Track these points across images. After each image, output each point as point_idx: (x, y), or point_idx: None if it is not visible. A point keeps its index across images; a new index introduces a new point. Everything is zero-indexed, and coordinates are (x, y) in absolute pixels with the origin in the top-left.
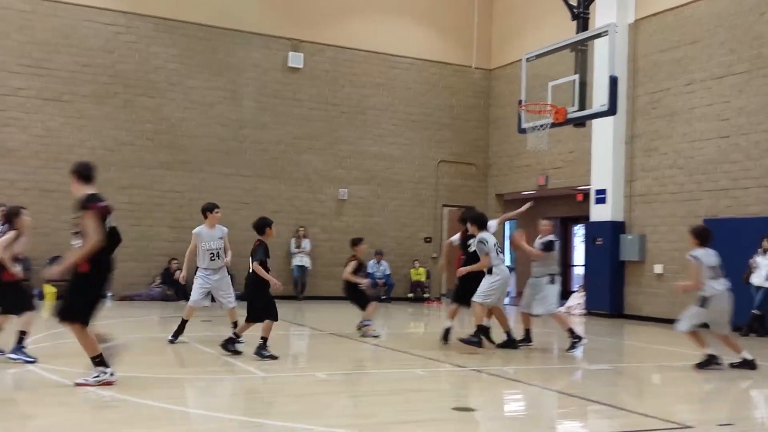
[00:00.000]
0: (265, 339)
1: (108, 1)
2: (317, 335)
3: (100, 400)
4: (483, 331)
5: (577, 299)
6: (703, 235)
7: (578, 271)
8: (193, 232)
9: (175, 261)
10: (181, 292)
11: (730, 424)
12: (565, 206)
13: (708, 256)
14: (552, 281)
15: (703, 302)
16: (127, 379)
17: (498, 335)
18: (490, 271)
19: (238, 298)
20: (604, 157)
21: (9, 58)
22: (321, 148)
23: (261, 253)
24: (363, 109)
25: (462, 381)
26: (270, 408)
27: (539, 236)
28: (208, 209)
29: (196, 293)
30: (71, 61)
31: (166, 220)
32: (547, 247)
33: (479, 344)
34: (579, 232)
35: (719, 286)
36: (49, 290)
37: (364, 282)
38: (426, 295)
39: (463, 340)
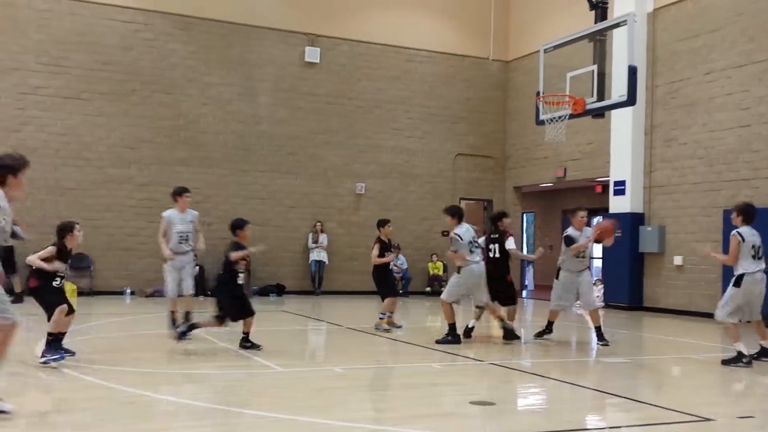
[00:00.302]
0: (246, 334)
1: None
2: (334, 330)
3: (119, 396)
4: (459, 331)
5: (596, 292)
6: (748, 213)
7: (597, 263)
8: (163, 215)
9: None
10: (200, 287)
11: (751, 416)
12: (584, 198)
13: (752, 234)
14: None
15: (738, 281)
16: (146, 375)
17: (477, 330)
18: (459, 270)
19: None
20: (623, 148)
21: (28, 56)
22: (338, 143)
23: (234, 248)
24: (379, 102)
25: (479, 375)
26: (288, 402)
27: (574, 228)
28: (177, 193)
29: (170, 284)
30: (89, 59)
31: None
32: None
33: (455, 341)
34: None
35: (755, 266)
36: (70, 287)
37: (390, 258)
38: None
39: (439, 341)
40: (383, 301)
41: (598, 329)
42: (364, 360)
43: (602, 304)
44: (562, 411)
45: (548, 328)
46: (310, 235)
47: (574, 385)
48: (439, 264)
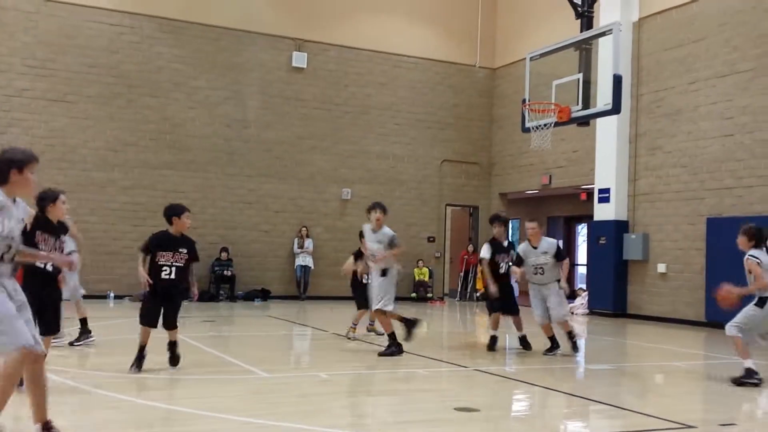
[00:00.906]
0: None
1: (112, 1)
2: (320, 335)
3: (105, 401)
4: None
5: (580, 299)
6: (759, 236)
7: (581, 270)
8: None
9: None
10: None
11: (733, 423)
12: (569, 205)
13: (764, 255)
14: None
15: (762, 302)
16: (131, 380)
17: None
18: (384, 273)
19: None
20: (608, 156)
21: (14, 59)
22: (325, 148)
23: (148, 242)
24: (366, 108)
25: (464, 381)
26: (273, 408)
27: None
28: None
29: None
30: (76, 62)
31: None
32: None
33: (398, 352)
34: (582, 231)
35: None
36: None
37: (354, 267)
38: (429, 295)
39: (382, 354)
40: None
41: (568, 334)
42: (349, 366)
43: (570, 316)
44: (546, 417)
45: (553, 342)
46: (296, 240)
47: (559, 392)
48: (425, 270)
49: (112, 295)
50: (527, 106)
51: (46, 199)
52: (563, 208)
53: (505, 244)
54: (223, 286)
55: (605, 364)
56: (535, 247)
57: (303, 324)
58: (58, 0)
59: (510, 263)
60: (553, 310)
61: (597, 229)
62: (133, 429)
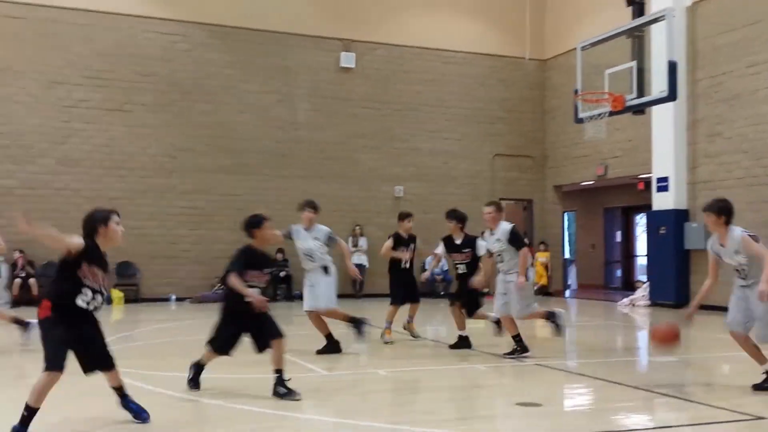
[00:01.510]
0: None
1: (164, 11)
2: (377, 333)
3: (168, 401)
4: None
5: (641, 291)
6: (729, 212)
7: (641, 261)
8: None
9: None
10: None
11: None
12: (626, 196)
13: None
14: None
15: None
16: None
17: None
18: (327, 270)
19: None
20: (665, 144)
21: (72, 71)
22: (375, 147)
23: (237, 262)
24: (416, 105)
25: (524, 375)
26: (332, 405)
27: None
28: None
29: None
30: (130, 72)
31: (225, 223)
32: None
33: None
34: (641, 221)
35: None
36: (117, 295)
37: (401, 255)
38: (486, 290)
39: (319, 352)
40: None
41: (547, 315)
42: (408, 363)
43: (533, 311)
44: (610, 411)
45: (516, 344)
46: (350, 239)
47: (622, 385)
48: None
49: (173, 297)
50: (580, 97)
51: (97, 221)
52: (620, 199)
53: (459, 241)
54: (280, 287)
55: (669, 356)
56: (492, 233)
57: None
58: (112, 12)
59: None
60: (512, 304)
61: (656, 219)
62: (194, 427)
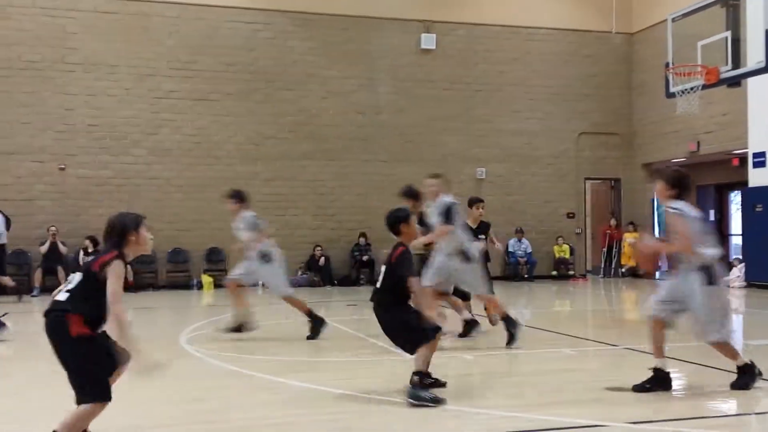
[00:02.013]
0: (425, 376)
1: (247, 0)
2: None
3: (257, 383)
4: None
5: (736, 271)
6: (682, 184)
7: (736, 241)
8: None
9: (319, 248)
10: (327, 278)
11: None
12: (720, 172)
13: (689, 209)
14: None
15: (710, 277)
16: (283, 364)
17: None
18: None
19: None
20: (762, 117)
21: (160, 63)
22: (457, 128)
23: (408, 264)
24: (498, 85)
25: (613, 360)
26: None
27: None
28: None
29: None
30: (215, 62)
31: (310, 209)
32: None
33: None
34: (736, 199)
35: (715, 252)
36: (207, 280)
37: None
38: (571, 273)
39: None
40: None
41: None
42: (494, 346)
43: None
44: (704, 395)
45: (468, 324)
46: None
47: (716, 369)
48: (566, 247)
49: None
50: (671, 70)
51: (128, 227)
52: (713, 176)
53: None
54: (363, 270)
55: (766, 339)
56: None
57: (445, 306)
58: (197, 3)
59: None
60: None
61: (752, 197)
62: (290, 409)
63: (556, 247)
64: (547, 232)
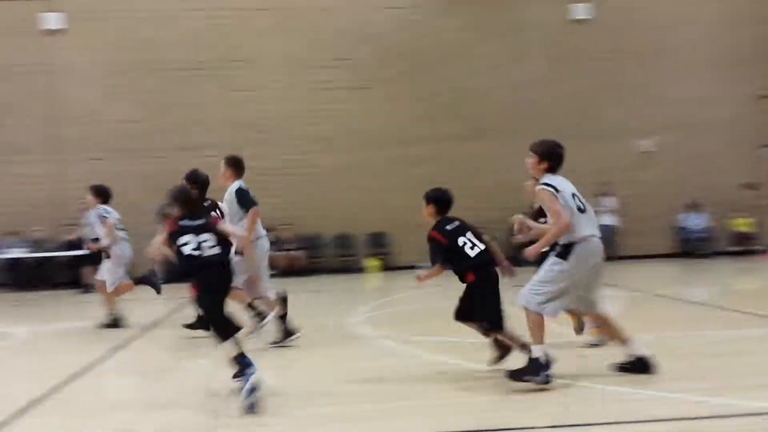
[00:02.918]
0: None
1: None
2: (637, 297)
3: (433, 365)
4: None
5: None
6: (554, 156)
7: None
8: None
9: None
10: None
11: None
12: None
13: (564, 182)
14: None
15: (567, 253)
16: (454, 345)
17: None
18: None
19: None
20: None
21: (316, 54)
22: (618, 99)
23: (439, 251)
24: (660, 51)
25: None
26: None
27: None
28: None
29: None
30: (368, 49)
31: (465, 190)
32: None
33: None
34: None
35: (588, 230)
36: (373, 263)
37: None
38: (758, 247)
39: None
40: None
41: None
42: (673, 327)
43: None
44: None
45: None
46: (597, 199)
47: None
48: (746, 220)
49: (419, 265)
50: None
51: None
52: None
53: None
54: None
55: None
56: None
57: (613, 285)
58: None
59: None
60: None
61: None
62: (458, 392)
63: (734, 221)
64: (722, 204)
